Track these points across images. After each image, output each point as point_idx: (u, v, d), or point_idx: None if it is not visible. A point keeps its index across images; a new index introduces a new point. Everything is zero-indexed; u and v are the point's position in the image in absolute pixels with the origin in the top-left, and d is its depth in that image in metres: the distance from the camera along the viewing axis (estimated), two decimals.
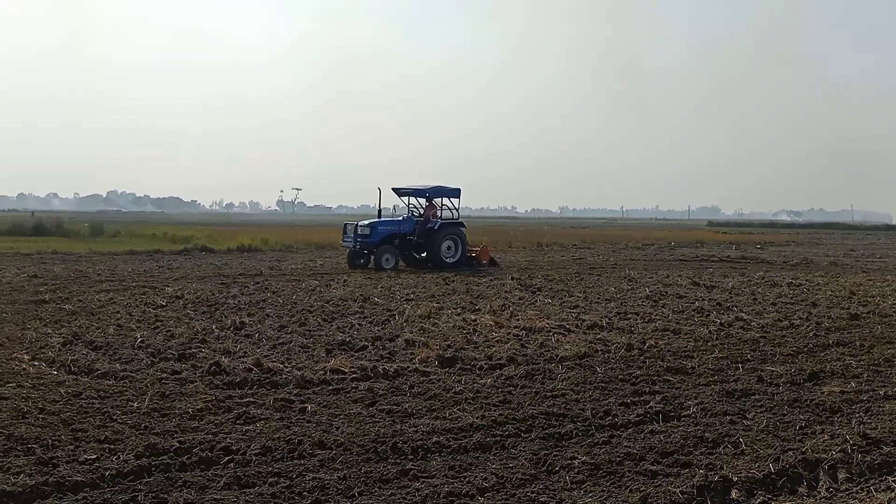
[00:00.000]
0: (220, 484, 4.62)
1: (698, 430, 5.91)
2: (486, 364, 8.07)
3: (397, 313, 11.49)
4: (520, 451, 5.39)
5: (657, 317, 11.55)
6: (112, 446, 5.24)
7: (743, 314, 11.82)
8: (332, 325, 10.46)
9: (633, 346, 9.06)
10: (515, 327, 10.28)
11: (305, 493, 4.53)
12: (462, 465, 5.08)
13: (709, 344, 9.42)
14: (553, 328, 10.22)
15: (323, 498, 4.48)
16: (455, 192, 21.86)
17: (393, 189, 21.82)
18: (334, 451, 5.26)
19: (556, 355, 8.52)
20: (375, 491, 4.60)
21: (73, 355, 8.12)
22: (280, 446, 5.31)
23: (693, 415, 6.34)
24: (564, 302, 13.30)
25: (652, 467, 5.08)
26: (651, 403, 6.58)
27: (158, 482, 4.62)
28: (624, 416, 6.25)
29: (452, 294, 14.32)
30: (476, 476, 4.85)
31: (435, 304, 12.56)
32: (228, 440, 5.39)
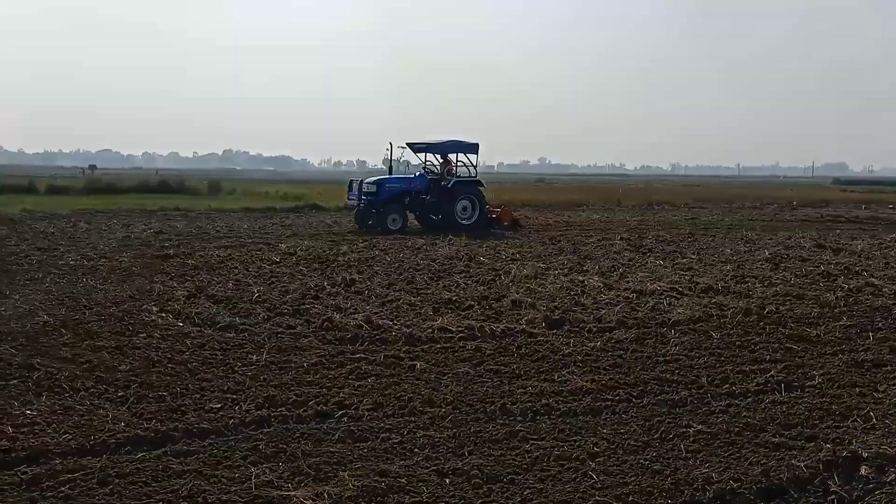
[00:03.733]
0: (335, 437, 4.76)
1: (824, 401, 5.60)
2: (595, 327, 7.91)
3: (503, 273, 11.44)
4: (631, 416, 5.27)
5: (778, 281, 10.95)
6: (234, 396, 5.50)
7: (874, 279, 11.03)
8: (438, 284, 10.54)
9: (751, 311, 8.63)
10: (625, 289, 10.02)
11: (416, 450, 4.60)
12: (572, 428, 5.01)
13: (835, 311, 8.86)
14: (665, 291, 9.89)
15: (434, 455, 4.54)
16: (472, 148, 20.07)
17: (407, 144, 20.32)
18: (444, 410, 5.30)
19: (669, 319, 8.25)
20: (485, 451, 4.61)
21: (197, 308, 8.56)
22: (391, 402, 5.41)
23: (818, 386, 6.00)
24: (677, 263, 12.85)
25: (773, 439, 4.85)
26: (772, 372, 6.27)
27: (278, 433, 4.81)
28: (742, 384, 5.99)
29: (559, 254, 14.12)
30: (587, 440, 4.78)
31: (541, 265, 12.42)
32: (342, 395, 5.55)
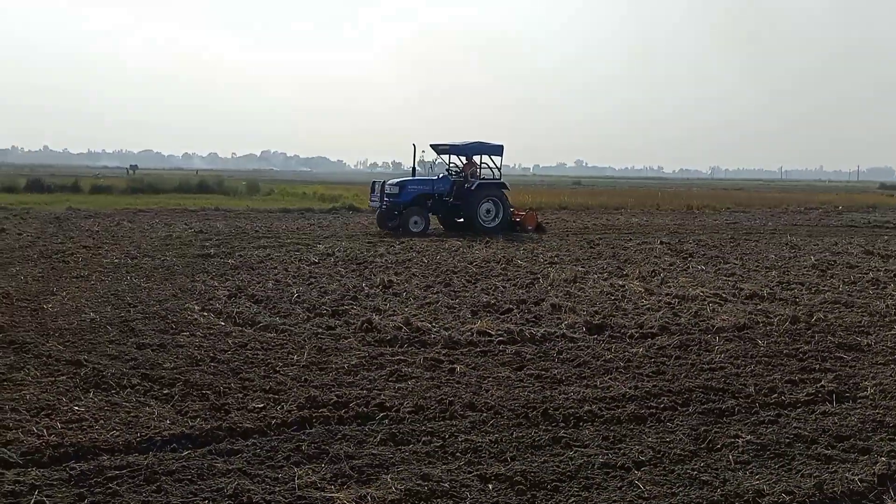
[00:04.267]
0: (377, 439, 4.74)
1: (877, 413, 5.41)
2: (636, 332, 7.78)
3: (541, 276, 11.34)
4: (677, 425, 5.15)
5: (825, 288, 10.68)
6: (276, 396, 5.51)
7: None
8: (476, 287, 10.49)
9: (798, 318, 8.41)
10: (667, 294, 9.86)
11: (458, 455, 4.56)
12: (616, 436, 4.92)
13: (886, 319, 8.59)
14: (708, 296, 9.70)
15: (476, 460, 4.49)
16: (497, 150, 19.81)
17: (431, 146, 20.10)
18: (485, 414, 5.25)
19: (713, 326, 8.07)
20: (528, 457, 4.55)
21: (238, 308, 8.63)
22: (432, 405, 5.37)
23: (871, 396, 5.81)
24: (719, 269, 12.61)
25: (826, 451, 4.70)
26: (822, 382, 6.09)
27: (320, 434, 4.79)
28: (791, 394, 5.82)
29: (598, 258, 13.96)
30: (631, 449, 4.68)
31: (580, 269, 12.30)
32: (382, 397, 5.52)
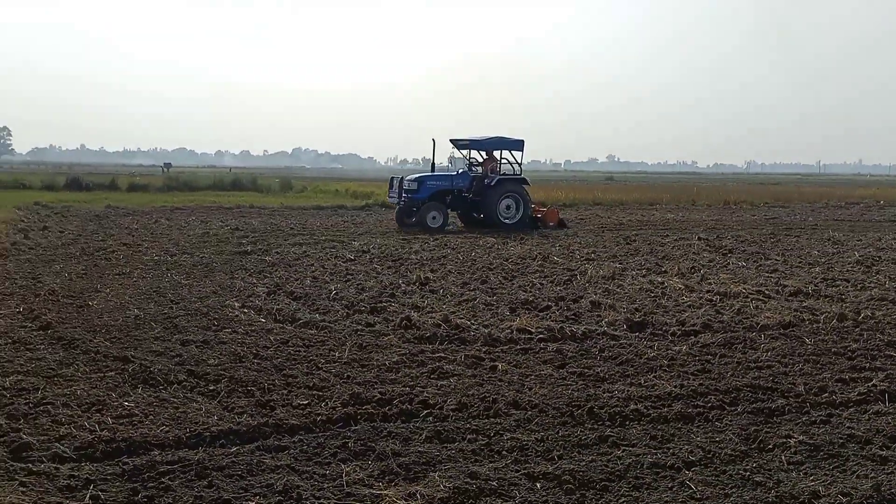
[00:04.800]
0: (422, 437, 4.73)
1: None
2: (678, 330, 7.68)
3: (579, 273, 11.26)
4: (726, 424, 5.07)
5: (872, 284, 10.45)
6: (320, 393, 5.53)
7: None
8: (513, 284, 10.44)
9: (845, 316, 8.22)
10: (708, 291, 9.71)
11: (505, 453, 4.53)
12: (664, 435, 4.85)
13: None
14: (750, 293, 9.53)
15: (522, 458, 4.46)
16: (517, 145, 19.53)
17: (451, 140, 19.88)
18: (529, 412, 5.21)
19: (757, 323, 7.93)
20: (575, 456, 4.51)
21: (277, 304, 8.70)
22: (475, 403, 5.35)
23: None
24: (760, 265, 12.40)
25: (881, 452, 4.59)
26: (873, 381, 5.94)
27: (365, 431, 4.80)
28: (842, 393, 5.69)
29: (635, 254, 13.81)
30: (680, 448, 4.61)
31: (618, 265, 12.18)
32: (425, 394, 5.52)
